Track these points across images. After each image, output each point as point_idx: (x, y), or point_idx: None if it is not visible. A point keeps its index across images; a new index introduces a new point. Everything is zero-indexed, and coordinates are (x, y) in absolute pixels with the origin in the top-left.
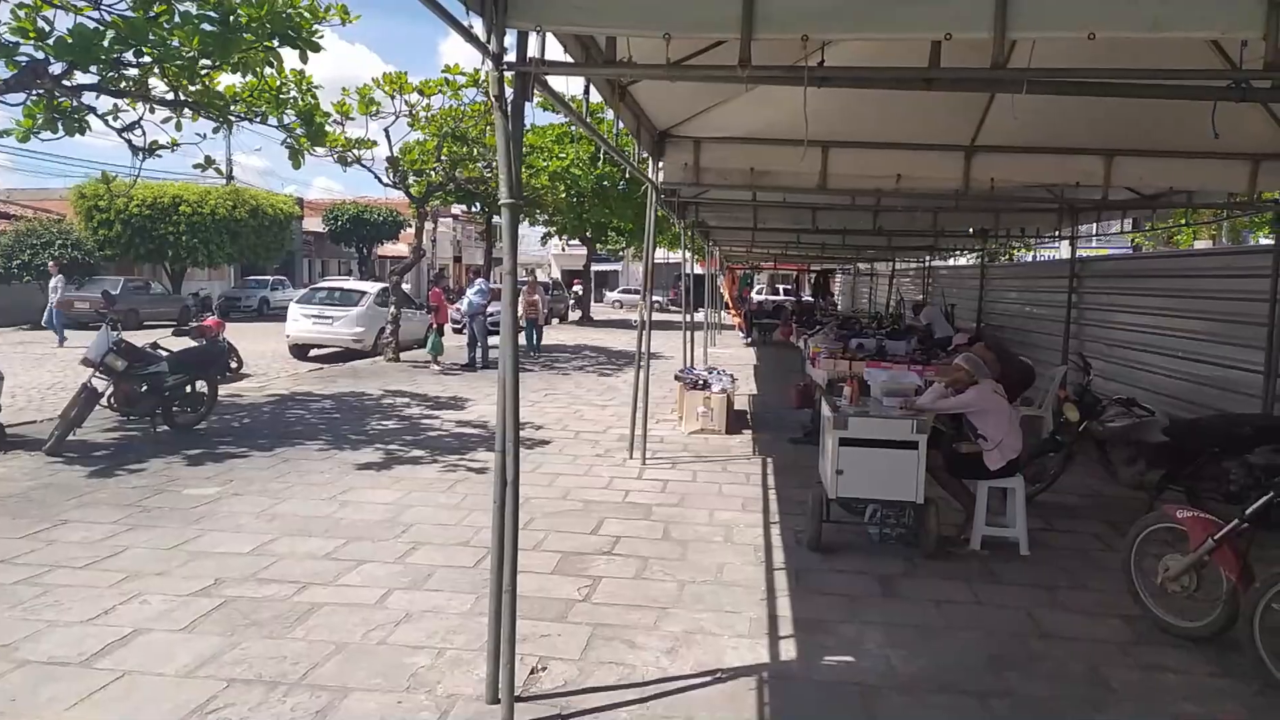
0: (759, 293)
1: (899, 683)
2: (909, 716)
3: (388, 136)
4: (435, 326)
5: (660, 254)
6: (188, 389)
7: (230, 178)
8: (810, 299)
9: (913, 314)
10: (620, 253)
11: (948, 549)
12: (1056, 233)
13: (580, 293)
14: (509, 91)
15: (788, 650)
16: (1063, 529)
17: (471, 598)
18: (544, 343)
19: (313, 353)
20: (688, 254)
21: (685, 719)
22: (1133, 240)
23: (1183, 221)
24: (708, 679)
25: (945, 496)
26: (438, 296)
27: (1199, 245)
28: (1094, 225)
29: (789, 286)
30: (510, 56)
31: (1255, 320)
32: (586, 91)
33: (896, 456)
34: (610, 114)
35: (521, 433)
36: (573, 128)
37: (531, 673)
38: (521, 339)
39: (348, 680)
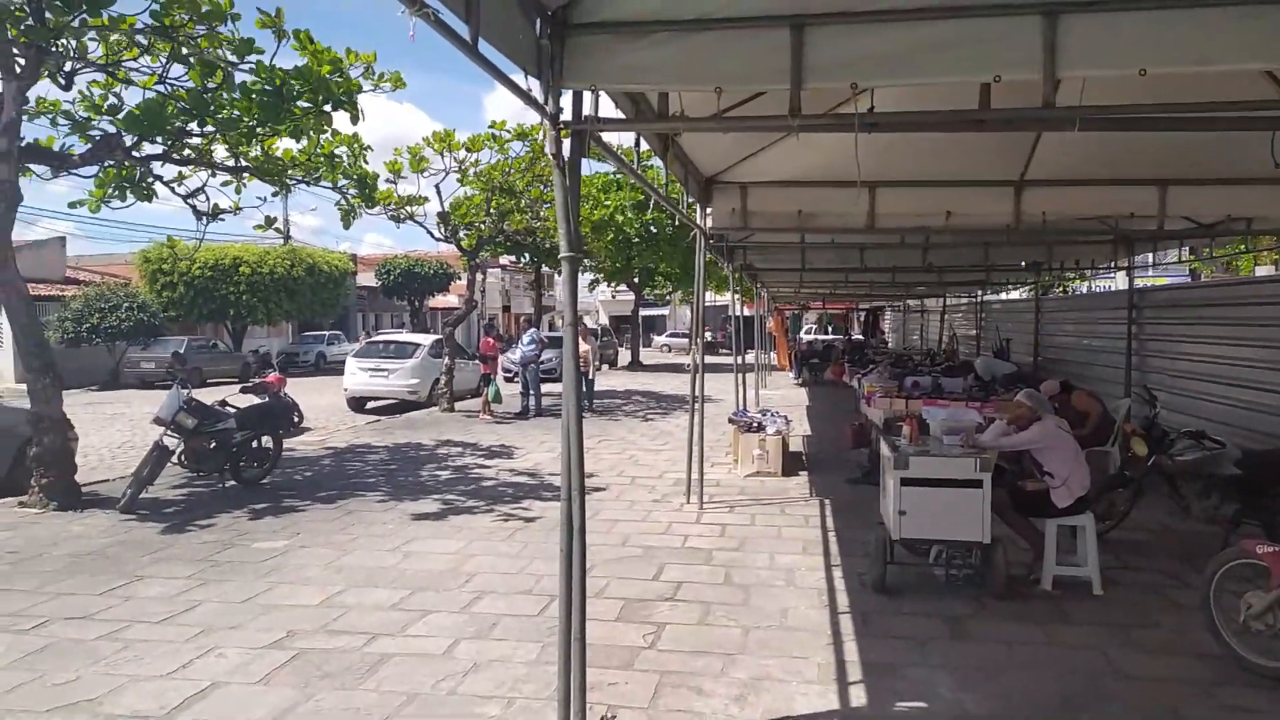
0: (808, 332)
1: None
2: None
3: (438, 192)
4: (489, 375)
5: (710, 298)
6: (254, 444)
7: (288, 237)
8: (860, 337)
9: (994, 354)
10: (667, 297)
11: (1017, 589)
12: (1112, 264)
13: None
14: (566, 149)
15: (858, 696)
16: (1135, 566)
17: (538, 646)
18: (596, 388)
19: (370, 405)
20: (738, 297)
21: None
22: (1191, 268)
23: (1241, 248)
24: None
25: (1012, 535)
26: (491, 346)
27: (1260, 272)
28: (1156, 254)
29: (839, 325)
30: (566, 115)
31: None
32: (637, 144)
33: (960, 495)
34: (658, 161)
35: None
36: (617, 175)
37: None
38: None
39: None
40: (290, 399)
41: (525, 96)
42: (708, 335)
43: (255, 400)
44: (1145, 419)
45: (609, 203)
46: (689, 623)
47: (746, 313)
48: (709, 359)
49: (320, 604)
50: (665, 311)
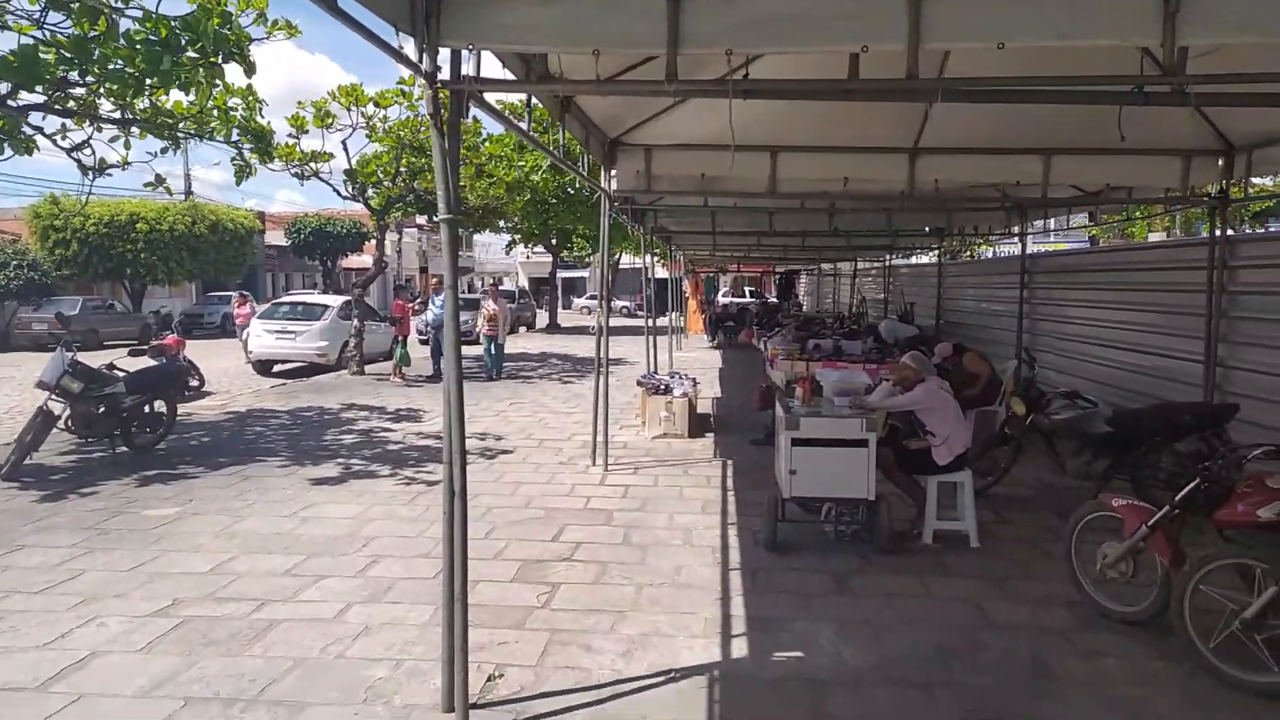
0: (725, 295)
1: (848, 676)
2: (855, 710)
3: (345, 149)
4: (400, 338)
5: (627, 260)
6: (146, 409)
7: (189, 193)
8: (775, 301)
9: (898, 318)
10: (587, 259)
11: (900, 544)
12: (1007, 230)
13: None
14: (445, 109)
15: (740, 649)
16: (1012, 520)
17: (431, 609)
18: (510, 350)
19: (276, 368)
20: (652, 259)
21: (639, 719)
22: (1088, 234)
23: (1138, 214)
24: (662, 679)
25: (898, 492)
26: (401, 308)
27: (1153, 238)
28: (1047, 221)
29: (754, 289)
30: (445, 74)
31: (1195, 311)
32: (529, 105)
33: (848, 455)
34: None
35: (484, 442)
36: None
37: (488, 680)
38: (482, 353)
39: (305, 695)
40: (188, 362)
41: (397, 54)
42: (625, 301)
43: (148, 363)
44: (1025, 380)
45: (523, 164)
46: (584, 582)
47: (664, 275)
48: (629, 322)
49: (210, 571)
50: (585, 274)
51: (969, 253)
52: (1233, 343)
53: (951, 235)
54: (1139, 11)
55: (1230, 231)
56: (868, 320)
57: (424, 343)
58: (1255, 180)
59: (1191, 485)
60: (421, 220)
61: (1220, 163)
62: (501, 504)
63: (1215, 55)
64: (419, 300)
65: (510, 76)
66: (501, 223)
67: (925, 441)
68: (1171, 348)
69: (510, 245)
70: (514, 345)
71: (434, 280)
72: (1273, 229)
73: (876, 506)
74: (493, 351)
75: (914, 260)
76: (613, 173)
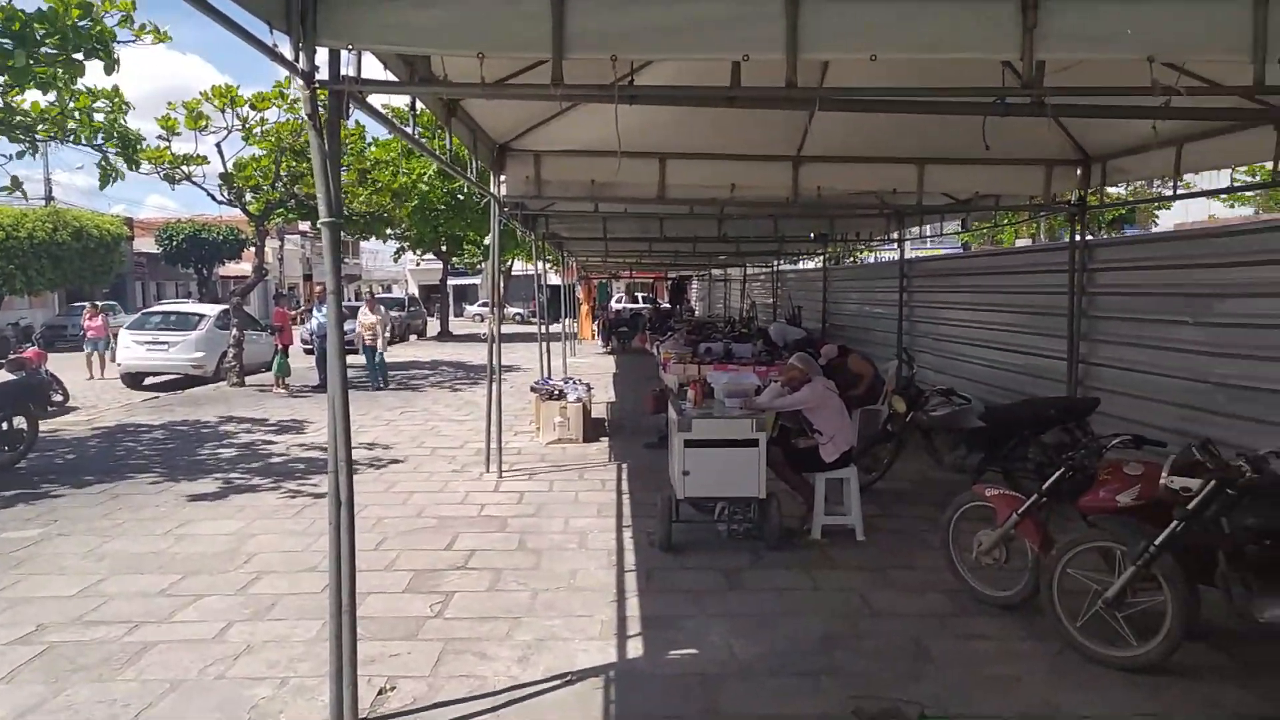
0: (618, 301)
1: (739, 669)
2: (746, 701)
3: (220, 152)
4: (280, 348)
5: (520, 266)
6: (5, 425)
7: (49, 199)
8: (668, 306)
9: (786, 321)
10: (478, 266)
11: (791, 540)
12: (887, 235)
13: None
14: (325, 109)
15: (636, 648)
16: (895, 514)
17: (318, 624)
18: (400, 359)
19: (148, 381)
20: (544, 265)
21: None
22: (961, 240)
23: (1006, 221)
24: (559, 683)
25: (788, 490)
26: (282, 317)
27: (1020, 243)
28: (923, 228)
29: (648, 295)
30: (323, 75)
31: (1058, 311)
32: (413, 108)
33: (739, 455)
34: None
35: (373, 452)
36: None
37: (379, 694)
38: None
39: (183, 718)
40: (50, 375)
41: (271, 53)
42: (518, 308)
43: (7, 377)
44: (904, 379)
45: (410, 169)
46: (478, 590)
47: (557, 281)
48: (523, 329)
49: (77, 594)
50: (477, 280)
51: (852, 258)
52: (1092, 340)
53: (834, 241)
54: (1000, 27)
55: (1088, 236)
56: (757, 324)
57: (309, 352)
58: (1110, 189)
59: (1057, 474)
60: (305, 227)
61: (1078, 172)
62: (392, 514)
63: (1072, 70)
64: (302, 309)
65: (393, 78)
66: (389, 229)
67: (813, 440)
68: (1038, 346)
69: (399, 252)
70: (404, 353)
71: (319, 288)
72: (1126, 234)
73: (767, 504)
74: (375, 361)
75: (800, 265)
76: (502, 178)
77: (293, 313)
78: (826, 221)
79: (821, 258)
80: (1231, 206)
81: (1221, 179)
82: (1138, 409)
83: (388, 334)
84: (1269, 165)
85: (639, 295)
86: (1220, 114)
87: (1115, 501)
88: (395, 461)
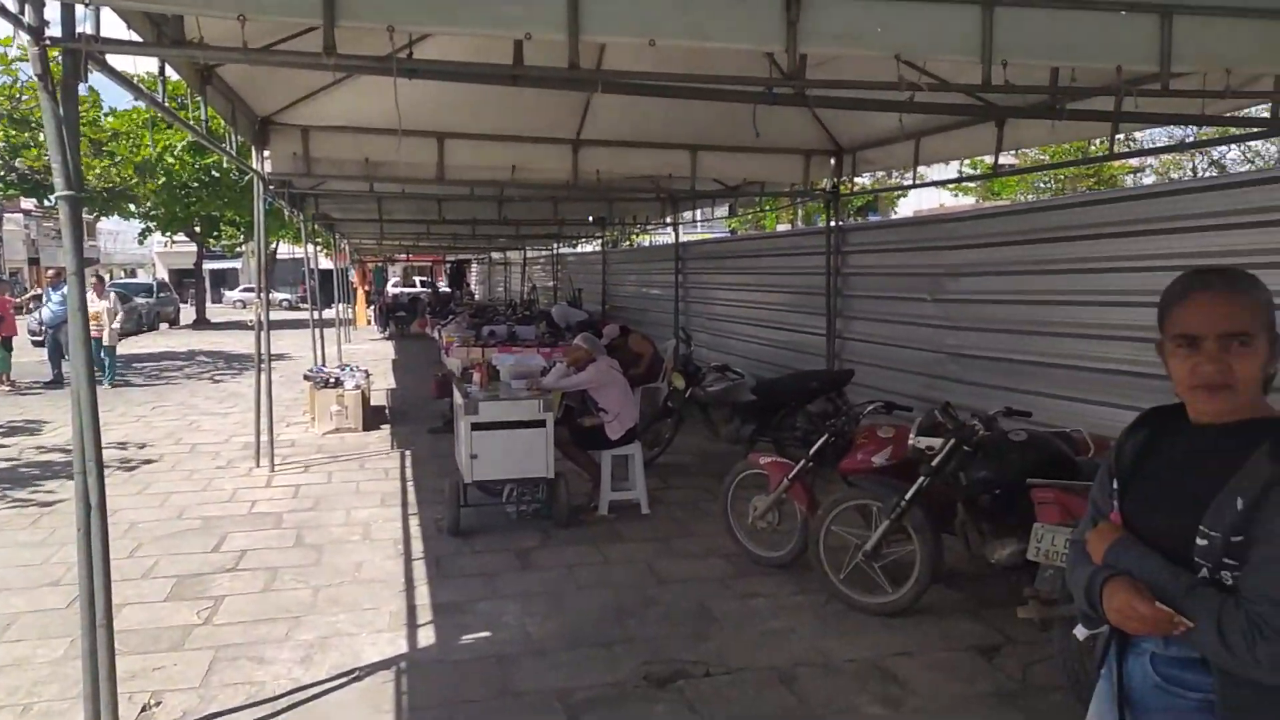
0: (395, 286)
1: (534, 647)
2: (542, 677)
3: None
4: (3, 339)
5: (286, 249)
6: None
7: None
8: (448, 290)
9: (568, 303)
10: (239, 248)
11: (580, 518)
12: (662, 220)
13: None
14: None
15: (427, 637)
16: (677, 486)
17: (65, 642)
18: (151, 349)
19: None
20: (314, 248)
21: None
22: (727, 225)
23: (768, 207)
24: (345, 680)
25: (575, 469)
26: (3, 305)
27: (782, 228)
28: (696, 212)
29: (426, 278)
30: (55, 31)
31: (817, 291)
32: (161, 73)
33: (526, 436)
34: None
35: (124, 451)
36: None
37: (142, 710)
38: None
39: None
40: None
41: None
42: (286, 294)
43: None
44: (683, 357)
45: (156, 142)
46: (252, 591)
47: (329, 265)
48: (292, 315)
49: None
50: (237, 264)
51: (629, 241)
52: (847, 317)
53: (613, 224)
54: (767, 20)
55: (841, 222)
56: (539, 307)
57: (39, 344)
58: (858, 179)
59: (821, 441)
60: (28, 204)
61: (832, 162)
62: (148, 518)
63: (827, 64)
64: (29, 296)
65: (137, 39)
66: (132, 207)
67: (598, 419)
68: (802, 324)
69: (144, 233)
70: (155, 343)
71: (49, 272)
72: (872, 220)
73: (555, 484)
74: (102, 356)
75: (580, 249)
76: (265, 154)
77: (16, 300)
78: (605, 205)
79: (601, 241)
80: (956, 195)
81: (950, 171)
82: (887, 379)
83: (116, 324)
84: (988, 159)
85: (417, 279)
86: (954, 109)
87: (871, 463)
88: (149, 461)
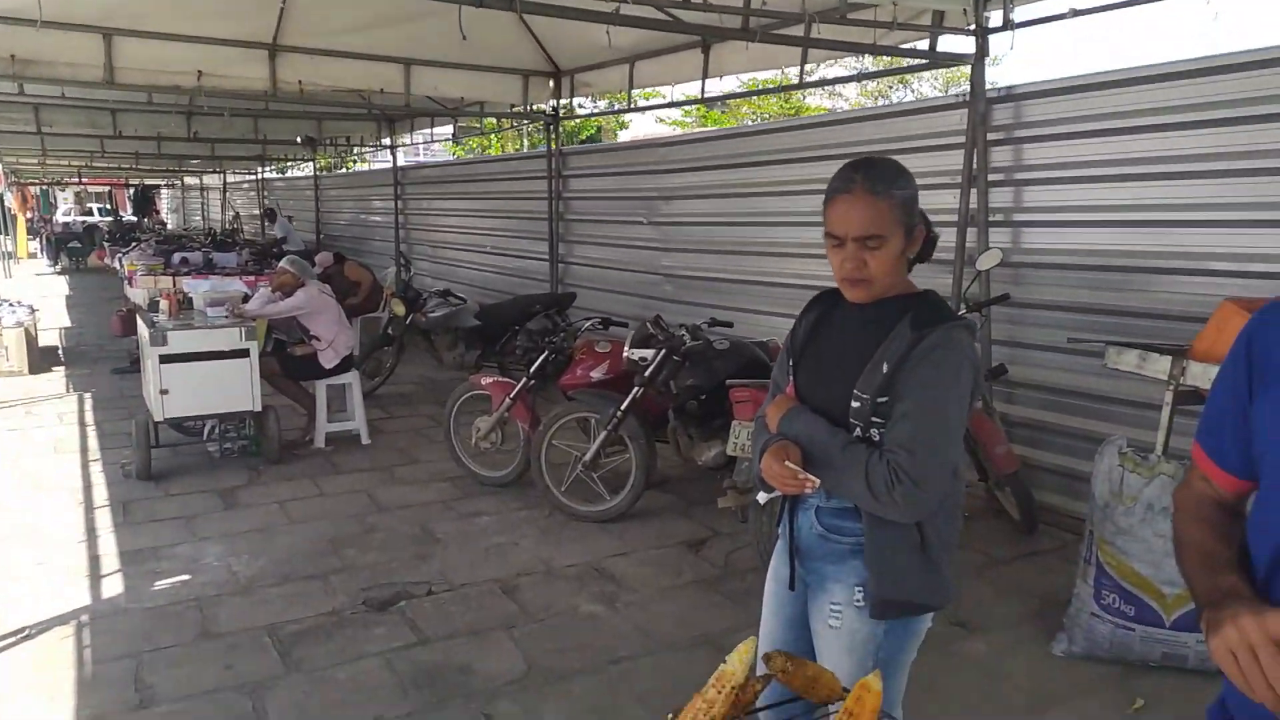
0: (67, 213)
1: (240, 587)
2: (249, 614)
3: None
4: None
5: None
6: None
7: None
8: (133, 218)
9: (269, 221)
10: None
11: (293, 453)
12: (379, 142)
13: None
14: None
15: (115, 587)
16: (400, 415)
17: None
18: None
19: None
20: None
21: None
22: (449, 150)
23: (490, 130)
24: (14, 640)
25: (289, 403)
26: None
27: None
28: (413, 135)
29: (105, 206)
30: None
31: (540, 215)
32: None
33: (227, 367)
34: None
35: None
36: None
37: None
38: None
39: None
40: None
41: None
42: None
43: None
44: (403, 283)
45: None
46: None
47: None
48: None
49: None
50: None
51: (345, 166)
52: (569, 242)
53: (324, 145)
54: None
55: (561, 146)
56: (244, 236)
57: None
58: (577, 100)
59: (541, 358)
60: None
61: (551, 84)
62: None
63: None
64: None
65: None
66: None
67: (310, 347)
68: (525, 249)
69: None
70: None
71: None
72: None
73: (264, 418)
74: None
75: (291, 174)
76: None
77: None
78: (314, 124)
79: (312, 165)
80: (661, 122)
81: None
82: (608, 301)
83: None
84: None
85: (93, 206)
86: (656, 24)
87: (590, 377)
88: None
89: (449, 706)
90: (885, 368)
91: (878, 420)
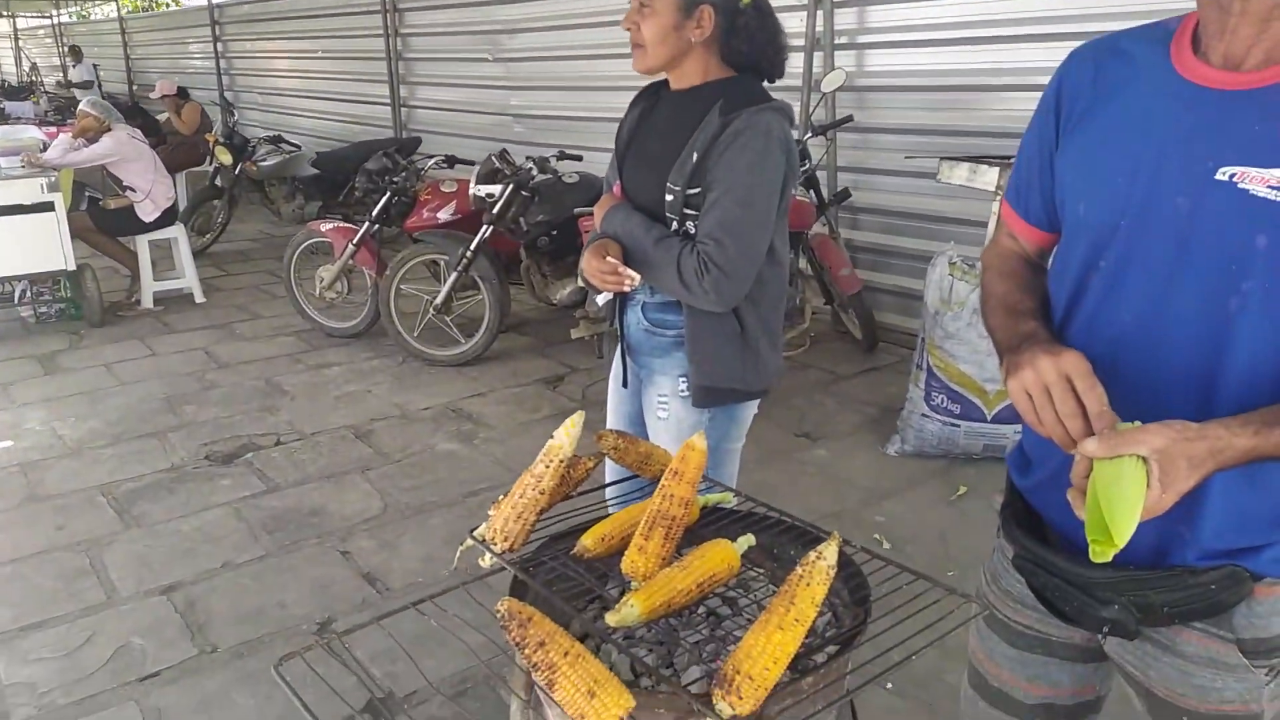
0: None
1: (68, 450)
2: (81, 476)
3: None
4: None
5: None
6: None
7: None
8: None
9: (74, 62)
10: None
11: (119, 314)
12: None
13: None
14: None
15: None
16: (237, 273)
17: None
18: None
19: None
20: None
21: None
22: None
23: None
24: None
25: (111, 262)
26: None
27: None
28: None
29: None
30: None
31: (378, 55)
32: None
33: (30, 223)
34: None
35: None
36: None
37: None
38: None
39: None
40: None
41: None
42: None
43: None
44: (227, 128)
45: None
46: None
47: None
48: None
49: None
50: None
51: (154, 6)
52: (410, 83)
53: None
54: None
55: None
56: (44, 89)
57: None
58: None
59: (384, 200)
60: None
61: None
62: None
63: None
64: None
65: None
66: None
67: (126, 199)
68: (364, 93)
69: None
70: None
71: None
72: None
73: (80, 277)
74: None
75: (94, 18)
76: None
77: None
78: None
79: (116, 5)
80: None
81: None
82: (456, 145)
83: None
84: None
85: None
86: None
87: (436, 218)
88: None
89: (303, 547)
90: (695, 157)
91: (690, 212)
